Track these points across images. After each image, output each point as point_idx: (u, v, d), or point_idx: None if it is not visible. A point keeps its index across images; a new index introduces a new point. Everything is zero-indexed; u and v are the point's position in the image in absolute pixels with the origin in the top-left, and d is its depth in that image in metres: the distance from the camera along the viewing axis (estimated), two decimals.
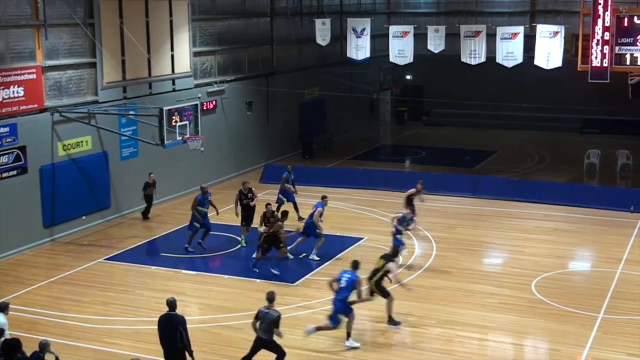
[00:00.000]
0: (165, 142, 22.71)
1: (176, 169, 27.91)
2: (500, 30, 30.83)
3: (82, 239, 23.76)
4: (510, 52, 30.67)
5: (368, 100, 44.13)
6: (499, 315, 17.83)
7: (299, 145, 36.44)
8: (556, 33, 29.65)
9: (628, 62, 28.16)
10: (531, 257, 22.05)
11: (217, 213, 23.21)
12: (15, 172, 22.26)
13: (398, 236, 20.58)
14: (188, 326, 13.70)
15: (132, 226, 25.24)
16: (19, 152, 22.28)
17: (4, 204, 21.95)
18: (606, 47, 28.12)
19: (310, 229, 21.76)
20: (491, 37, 31.02)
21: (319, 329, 16.18)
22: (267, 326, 14.23)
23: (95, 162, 25.07)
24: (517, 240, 23.71)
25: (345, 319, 16.13)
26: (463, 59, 31.54)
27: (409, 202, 22.97)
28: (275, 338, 14.27)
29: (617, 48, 28.26)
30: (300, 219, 24.77)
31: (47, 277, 20.56)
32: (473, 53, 31.49)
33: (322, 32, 34.00)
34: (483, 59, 31.30)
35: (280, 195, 25.48)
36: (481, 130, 41.97)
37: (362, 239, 23.64)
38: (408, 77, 46.03)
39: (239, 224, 23.04)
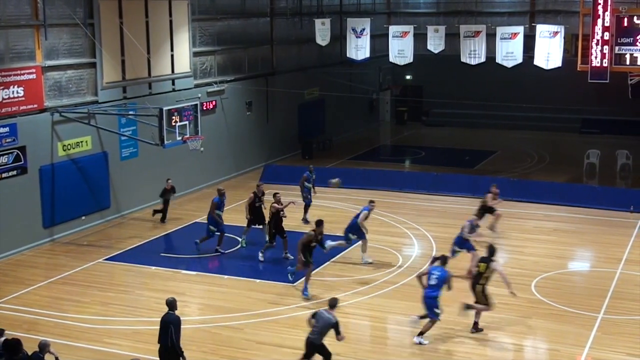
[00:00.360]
0: (165, 142, 22.69)
1: (176, 169, 27.90)
2: (500, 30, 30.86)
3: (82, 239, 23.76)
4: (510, 52, 30.70)
5: (368, 100, 44.16)
6: (499, 315, 17.79)
7: (299, 145, 36.45)
8: (556, 33, 29.68)
9: (628, 62, 28.17)
10: (531, 257, 22.06)
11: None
12: (15, 173, 22.26)
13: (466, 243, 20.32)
14: (188, 326, 13.75)
15: (132, 226, 25.24)
16: (18, 152, 22.27)
17: (3, 204, 21.95)
18: (606, 47, 28.13)
19: (354, 230, 21.52)
20: (491, 37, 31.06)
21: (421, 333, 16.39)
22: (321, 329, 14.17)
23: (95, 162, 25.07)
24: (516, 240, 23.70)
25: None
26: (463, 59, 31.56)
27: (485, 208, 23.31)
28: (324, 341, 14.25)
29: (616, 48, 28.26)
30: (305, 221, 24.81)
31: (46, 277, 20.55)
32: (473, 53, 31.51)
33: (322, 32, 34.02)
34: (483, 59, 31.33)
35: (305, 195, 25.40)
36: (481, 130, 41.99)
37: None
38: (408, 77, 46.05)
39: (244, 225, 22.77)
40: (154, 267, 21.33)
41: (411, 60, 32.71)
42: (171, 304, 13.86)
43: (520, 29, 30.82)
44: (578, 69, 28.96)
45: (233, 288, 19.76)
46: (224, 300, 18.93)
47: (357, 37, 33.19)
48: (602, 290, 19.32)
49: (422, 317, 16.50)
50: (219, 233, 22.36)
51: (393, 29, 33.12)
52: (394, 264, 21.42)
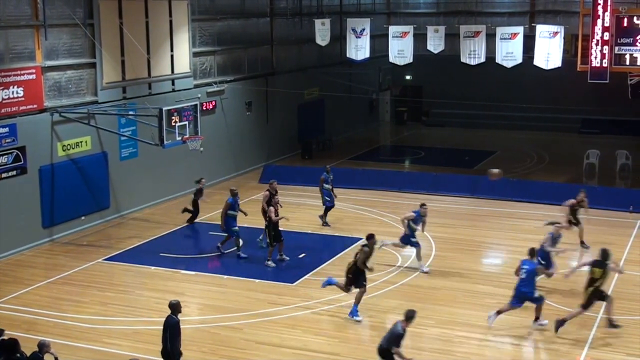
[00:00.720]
0: (165, 142, 22.68)
1: (176, 169, 27.91)
2: (500, 31, 30.88)
3: (82, 239, 23.76)
4: (509, 52, 30.72)
5: (367, 100, 44.17)
6: (500, 315, 17.81)
7: (299, 145, 36.45)
8: (556, 33, 29.69)
9: (628, 63, 28.18)
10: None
11: (246, 215, 23.05)
12: (14, 173, 22.27)
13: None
14: (188, 326, 13.75)
15: (132, 226, 25.24)
16: (18, 152, 22.28)
17: (3, 204, 21.96)
18: (606, 47, 28.13)
19: (405, 238, 21.18)
20: (491, 38, 31.08)
21: (499, 312, 17.04)
22: (389, 337, 13.99)
23: (95, 163, 25.07)
24: (516, 240, 23.68)
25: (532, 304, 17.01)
26: (463, 59, 31.58)
27: (573, 213, 22.79)
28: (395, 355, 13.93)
29: (616, 48, 28.28)
30: (324, 224, 24.74)
31: (46, 277, 20.55)
32: (472, 53, 31.53)
33: (322, 32, 34.03)
34: (483, 59, 31.35)
35: (326, 197, 25.10)
36: (480, 130, 41.99)
37: (361, 239, 23.58)
38: (408, 77, 46.04)
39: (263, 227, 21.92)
40: (153, 267, 21.32)
41: (411, 61, 32.73)
42: (172, 307, 13.78)
43: (520, 29, 30.83)
44: (578, 69, 28.97)
45: (232, 288, 19.76)
46: (224, 300, 18.93)
47: (357, 37, 33.21)
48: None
49: (498, 313, 17.03)
50: (226, 234, 22.20)
51: (393, 29, 33.14)
52: (394, 264, 21.41)
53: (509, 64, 30.80)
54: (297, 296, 19.07)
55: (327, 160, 34.06)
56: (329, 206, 25.15)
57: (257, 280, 20.15)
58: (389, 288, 19.65)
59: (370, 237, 18.01)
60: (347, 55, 33.59)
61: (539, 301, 17.05)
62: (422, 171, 32.14)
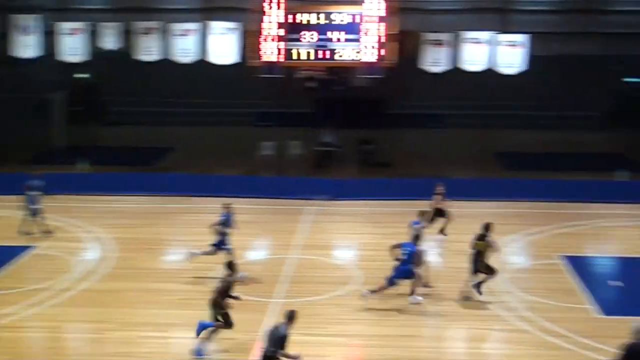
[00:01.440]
0: None
1: None
2: (175, 27, 30.93)
3: None
4: (185, 48, 30.91)
5: (39, 100, 41.86)
6: (180, 311, 17.86)
7: None
8: (230, 29, 30.36)
9: (298, 58, 29.60)
10: None
11: None
12: None
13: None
14: None
15: None
16: None
17: None
18: (277, 43, 29.30)
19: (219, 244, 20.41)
20: (166, 34, 30.97)
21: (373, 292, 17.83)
22: (272, 341, 13.53)
23: None
24: (197, 235, 23.69)
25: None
26: (138, 56, 31.19)
27: (436, 211, 22.82)
28: None
29: (287, 44, 29.58)
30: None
31: None
32: (149, 50, 31.27)
33: None
34: (159, 56, 31.19)
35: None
36: (162, 127, 41.56)
37: (32, 247, 22.39)
38: (83, 75, 44.42)
39: None
40: None
41: (86, 58, 31.70)
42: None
43: (194, 26, 31.13)
44: (252, 64, 29.82)
45: None
46: None
47: (24, 34, 31.49)
48: (278, 276, 20.07)
49: (372, 292, 17.74)
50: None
51: (64, 26, 31.88)
52: (71, 270, 20.58)
53: (185, 60, 30.97)
54: None
55: None
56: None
57: None
58: (68, 295, 18.86)
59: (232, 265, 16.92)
60: (13, 54, 31.66)
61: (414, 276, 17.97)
62: (96, 172, 31.30)
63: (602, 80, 40.34)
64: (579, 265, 20.98)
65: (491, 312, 17.74)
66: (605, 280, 18.79)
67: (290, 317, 13.75)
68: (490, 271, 18.46)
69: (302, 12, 29.45)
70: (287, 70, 31.32)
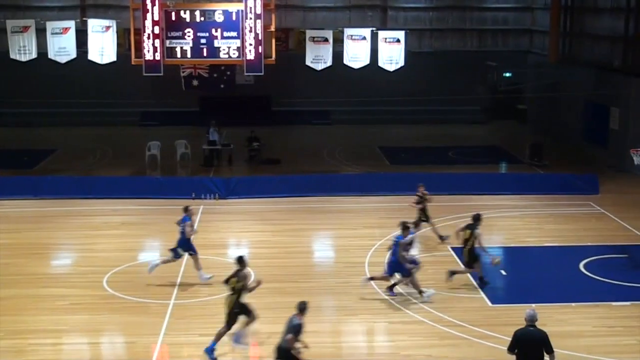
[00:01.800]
0: None
1: None
2: (51, 25, 29.90)
3: None
4: (62, 47, 29.96)
5: None
6: (72, 316, 17.39)
7: None
8: (108, 27, 29.66)
9: (179, 55, 29.21)
10: (102, 253, 21.80)
11: None
12: None
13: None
14: None
15: None
16: None
17: None
18: (157, 41, 28.84)
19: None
20: (42, 32, 29.94)
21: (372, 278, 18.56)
22: (288, 332, 13.83)
23: None
24: (85, 238, 23.29)
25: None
26: (12, 56, 29.98)
27: (422, 211, 22.48)
28: None
29: (167, 42, 29.13)
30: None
31: None
32: (23, 49, 30.12)
33: None
34: (34, 55, 30.06)
35: None
36: (39, 129, 40.34)
37: None
38: None
39: None
40: None
41: None
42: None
43: (71, 24, 30.14)
44: (133, 63, 29.30)
45: None
46: None
47: None
48: (172, 278, 19.76)
49: (370, 279, 18.48)
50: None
51: None
52: None
53: (62, 59, 29.99)
54: None
55: None
56: None
57: None
58: None
59: (242, 259, 16.06)
60: None
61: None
62: None
63: (478, 75, 41.85)
64: None
65: (387, 305, 18.06)
66: (491, 271, 19.37)
67: (302, 308, 13.99)
68: (472, 263, 19.11)
69: (183, 10, 29.07)
70: (169, 68, 30.91)
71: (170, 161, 33.64)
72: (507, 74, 42.38)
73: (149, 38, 28.74)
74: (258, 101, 42.20)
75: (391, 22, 40.93)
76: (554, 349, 12.78)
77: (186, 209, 19.61)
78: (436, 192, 27.62)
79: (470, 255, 19.08)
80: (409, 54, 32.36)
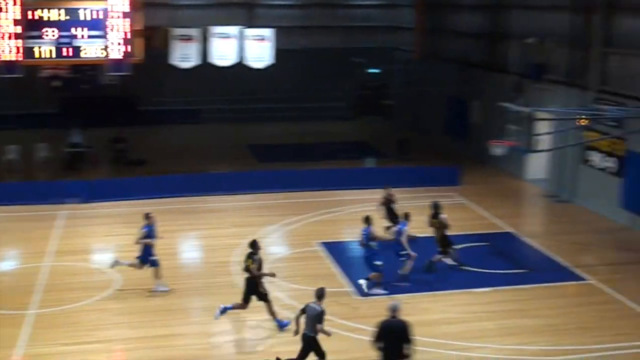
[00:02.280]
0: None
1: None
2: None
3: None
4: None
5: None
6: None
7: None
8: None
9: (38, 56, 28.32)
10: None
11: None
12: None
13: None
14: None
15: None
16: None
17: None
18: (16, 40, 27.88)
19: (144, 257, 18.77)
20: None
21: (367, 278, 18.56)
22: (311, 320, 14.05)
23: None
24: None
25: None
26: None
27: (390, 212, 22.39)
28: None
29: (26, 42, 28.19)
30: None
31: None
32: None
33: None
34: None
35: None
36: None
37: None
38: None
39: None
40: None
41: None
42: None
43: None
44: None
45: None
46: None
47: None
48: (32, 286, 19.02)
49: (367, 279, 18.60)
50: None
51: None
52: None
53: None
54: None
55: None
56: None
57: None
58: None
59: (256, 243, 16.82)
60: None
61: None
62: None
63: (346, 72, 42.38)
64: (336, 250, 21.81)
65: (254, 304, 17.95)
66: (360, 264, 19.56)
67: (320, 295, 14.22)
68: (447, 246, 19.95)
69: (42, 8, 28.15)
70: (28, 69, 29.82)
71: (30, 165, 32.35)
72: (375, 71, 43.13)
73: (7, 38, 27.73)
74: (123, 101, 41.23)
75: (259, 19, 40.85)
76: (423, 337, 13.11)
77: (147, 216, 19.00)
78: (305, 189, 27.84)
79: (442, 241, 20.03)
80: (278, 52, 32.39)
